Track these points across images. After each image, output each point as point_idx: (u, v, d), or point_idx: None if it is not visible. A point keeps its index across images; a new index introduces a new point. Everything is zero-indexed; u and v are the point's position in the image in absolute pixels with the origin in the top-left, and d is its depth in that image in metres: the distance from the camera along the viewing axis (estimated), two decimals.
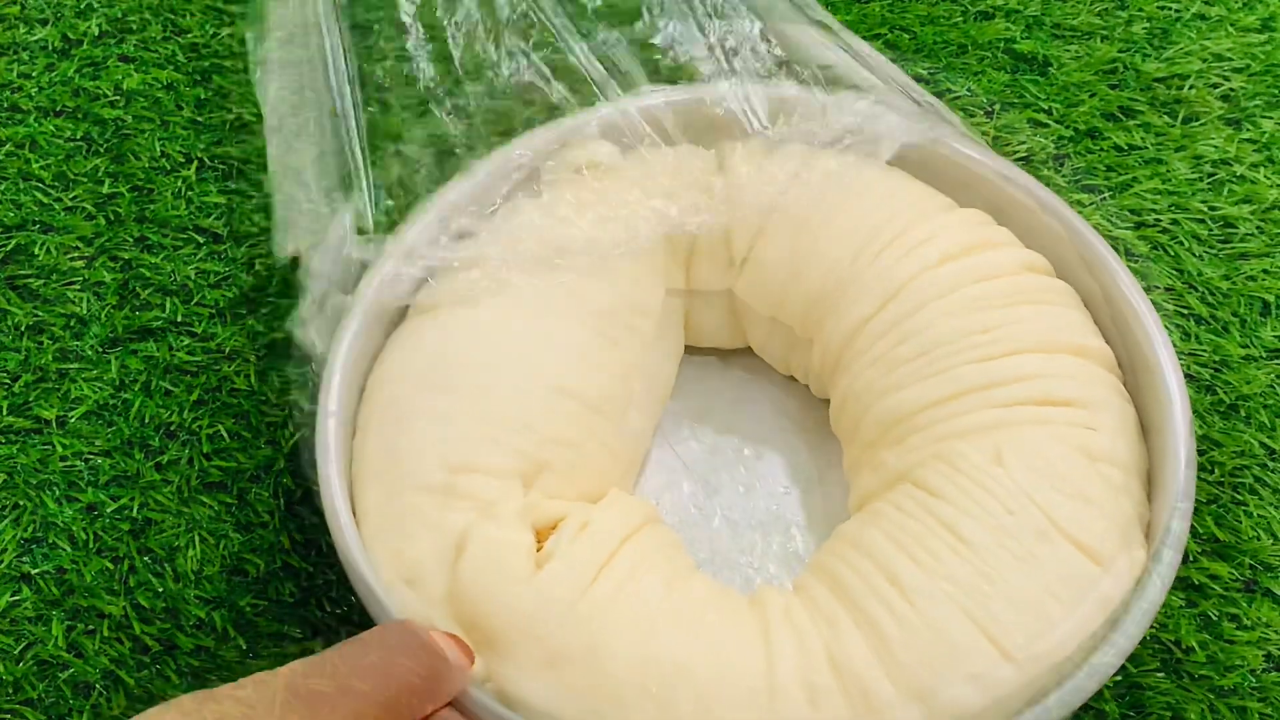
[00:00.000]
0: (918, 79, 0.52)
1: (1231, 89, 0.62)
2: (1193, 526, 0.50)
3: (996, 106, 0.52)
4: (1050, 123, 0.60)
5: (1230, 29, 0.64)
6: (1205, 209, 0.58)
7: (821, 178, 0.50)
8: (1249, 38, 0.64)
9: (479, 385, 0.46)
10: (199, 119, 0.61)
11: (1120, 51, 0.63)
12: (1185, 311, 0.55)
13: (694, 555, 0.48)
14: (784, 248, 0.50)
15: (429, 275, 0.49)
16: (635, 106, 0.52)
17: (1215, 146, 0.60)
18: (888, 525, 0.44)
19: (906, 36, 0.63)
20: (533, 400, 0.46)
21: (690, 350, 0.54)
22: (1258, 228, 0.58)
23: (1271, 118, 0.61)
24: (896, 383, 0.47)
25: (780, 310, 0.51)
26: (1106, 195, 0.52)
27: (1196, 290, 0.56)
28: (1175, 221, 0.58)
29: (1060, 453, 0.44)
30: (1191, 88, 0.62)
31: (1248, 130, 0.61)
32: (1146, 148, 0.60)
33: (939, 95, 0.52)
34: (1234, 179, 0.59)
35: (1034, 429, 0.44)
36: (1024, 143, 0.51)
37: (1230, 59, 0.63)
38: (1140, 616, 0.41)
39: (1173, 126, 0.61)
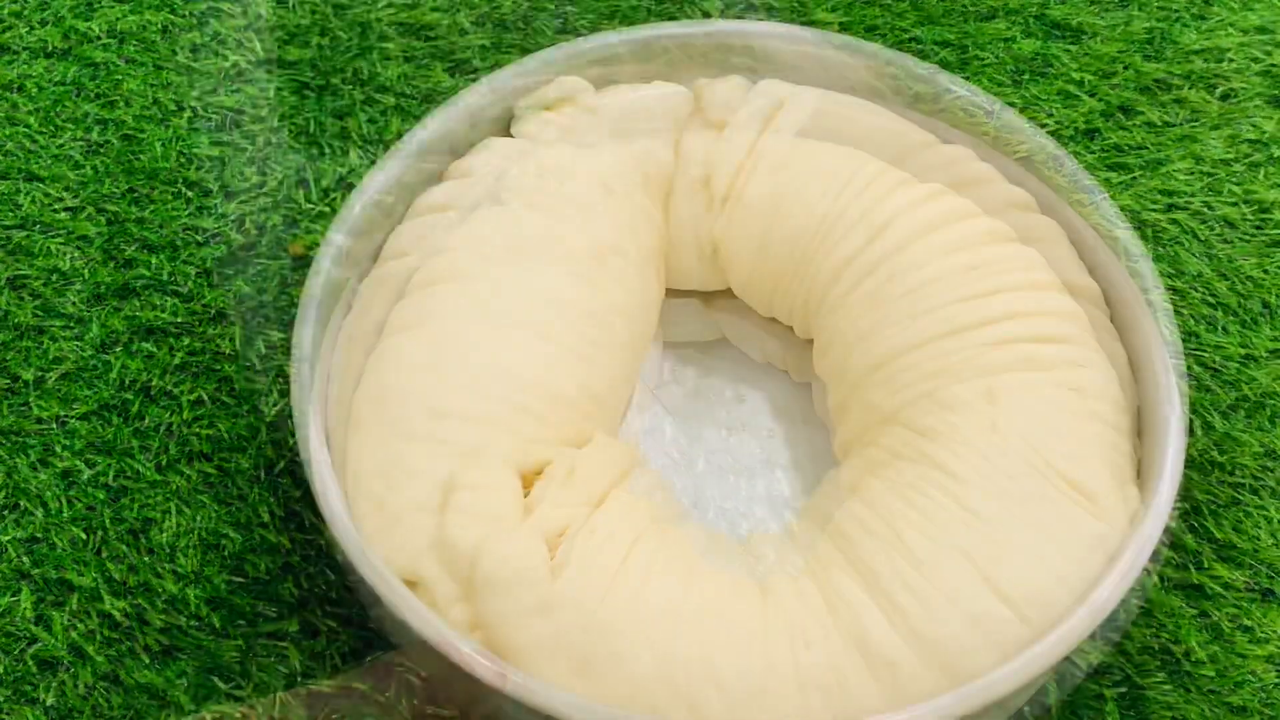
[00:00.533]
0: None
1: (1231, 89, 0.62)
2: (1193, 527, 0.50)
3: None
4: (1050, 122, 0.60)
5: (1230, 29, 0.64)
6: (1205, 209, 0.58)
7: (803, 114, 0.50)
8: (1249, 37, 0.64)
9: (469, 397, 0.45)
10: (193, 65, 0.59)
11: (1120, 51, 0.63)
12: (1185, 311, 0.55)
13: (679, 501, 0.48)
14: (765, 184, 0.50)
15: (401, 291, 0.49)
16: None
17: (1215, 146, 0.60)
18: (889, 498, 0.44)
19: (906, 37, 0.63)
20: (525, 405, 0.45)
21: (670, 293, 0.53)
22: (1257, 228, 0.58)
23: (1272, 118, 0.61)
24: (883, 321, 0.46)
25: (764, 250, 0.50)
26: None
27: (1196, 290, 0.56)
28: (1174, 221, 0.58)
29: (1052, 396, 0.44)
30: (1191, 87, 0.62)
31: (1247, 130, 0.61)
32: (1146, 147, 0.60)
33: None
34: (1234, 179, 0.59)
35: (1025, 373, 0.45)
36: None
37: (1230, 59, 0.63)
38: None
39: (1172, 126, 0.61)
